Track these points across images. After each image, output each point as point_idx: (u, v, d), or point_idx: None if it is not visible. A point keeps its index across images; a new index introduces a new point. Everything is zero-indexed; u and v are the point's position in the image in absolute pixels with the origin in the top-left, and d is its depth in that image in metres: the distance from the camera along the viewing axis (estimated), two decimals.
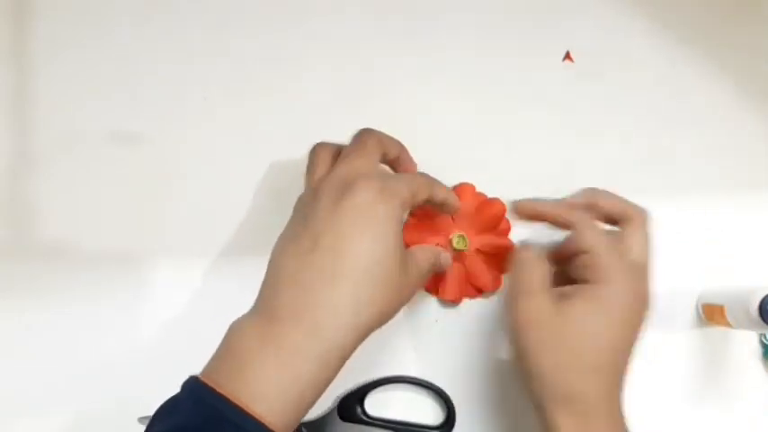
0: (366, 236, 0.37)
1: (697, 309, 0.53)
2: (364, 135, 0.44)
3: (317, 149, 0.44)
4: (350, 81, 0.54)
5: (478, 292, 0.51)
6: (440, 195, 0.44)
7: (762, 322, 0.46)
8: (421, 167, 0.47)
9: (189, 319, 0.51)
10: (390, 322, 0.53)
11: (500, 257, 0.51)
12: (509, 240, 0.51)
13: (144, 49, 0.53)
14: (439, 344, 0.52)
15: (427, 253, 0.44)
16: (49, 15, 0.53)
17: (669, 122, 0.55)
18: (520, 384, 0.46)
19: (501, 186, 0.51)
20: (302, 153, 0.53)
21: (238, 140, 0.53)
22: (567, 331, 0.41)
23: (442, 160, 0.51)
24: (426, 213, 0.49)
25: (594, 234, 0.43)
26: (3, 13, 0.53)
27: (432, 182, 0.44)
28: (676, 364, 0.53)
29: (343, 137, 0.54)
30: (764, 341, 0.53)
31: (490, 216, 0.51)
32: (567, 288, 0.43)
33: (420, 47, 0.55)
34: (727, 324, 0.50)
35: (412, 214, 0.50)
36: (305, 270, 0.37)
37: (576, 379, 0.41)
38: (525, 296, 0.42)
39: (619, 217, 0.45)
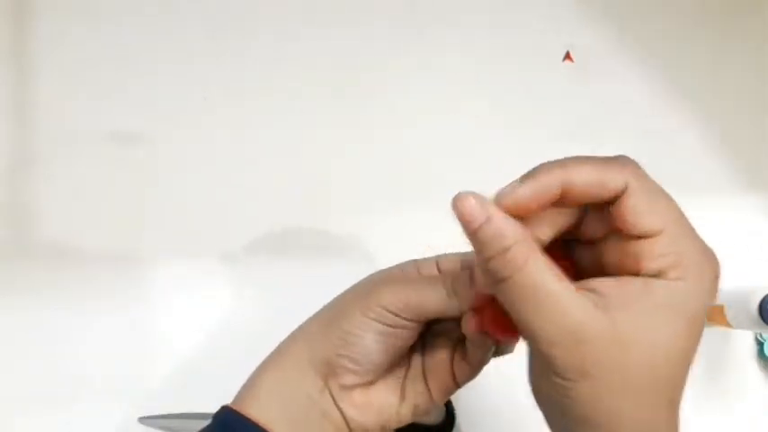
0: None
1: None
2: None
3: None
4: (350, 81, 0.54)
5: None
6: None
7: (762, 322, 0.46)
8: (420, 168, 0.47)
9: (188, 319, 0.51)
10: None
11: None
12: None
13: (144, 49, 0.53)
14: None
15: None
16: (49, 15, 0.53)
17: (669, 122, 0.56)
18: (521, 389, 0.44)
19: (500, 186, 0.51)
20: (302, 153, 0.54)
21: (238, 140, 0.53)
22: (634, 359, 0.28)
23: (442, 161, 0.51)
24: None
25: (665, 202, 0.30)
26: (3, 13, 0.53)
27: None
28: None
29: (343, 137, 0.54)
30: (760, 339, 0.53)
31: None
32: (603, 284, 0.28)
33: (420, 48, 0.55)
34: (727, 324, 0.50)
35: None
36: None
37: (650, 417, 0.29)
38: (557, 301, 0.27)
39: (603, 191, 0.28)
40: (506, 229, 0.28)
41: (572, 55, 0.56)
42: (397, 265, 0.38)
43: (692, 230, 0.30)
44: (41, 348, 0.50)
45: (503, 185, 0.30)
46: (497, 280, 0.28)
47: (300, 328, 0.38)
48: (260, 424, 0.35)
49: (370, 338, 0.35)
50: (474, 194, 0.28)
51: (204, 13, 0.54)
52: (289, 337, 0.39)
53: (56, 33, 0.53)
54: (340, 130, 0.54)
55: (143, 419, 0.48)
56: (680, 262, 0.28)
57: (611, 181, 0.28)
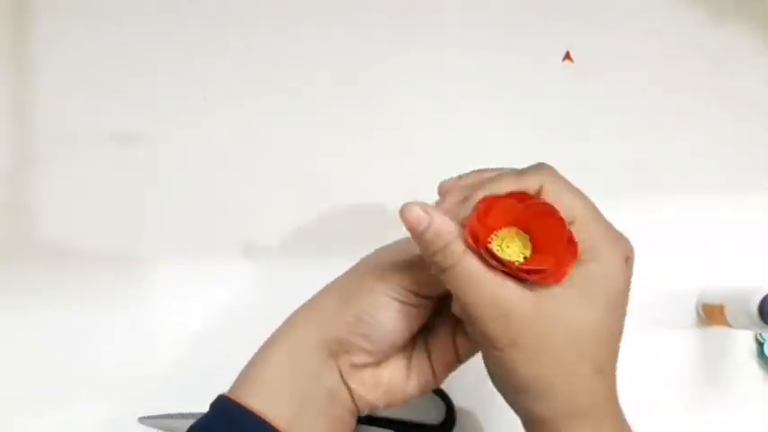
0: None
1: (697, 309, 0.53)
2: None
3: None
4: (350, 81, 0.54)
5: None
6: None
7: (761, 322, 0.46)
8: (420, 168, 0.47)
9: (188, 319, 0.51)
10: None
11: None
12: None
13: (144, 49, 0.53)
14: None
15: None
16: (49, 15, 0.53)
17: (669, 122, 0.56)
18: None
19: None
20: (302, 153, 0.54)
21: (238, 140, 0.53)
22: (556, 330, 0.32)
23: (442, 161, 0.51)
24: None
25: (573, 195, 0.34)
26: (3, 13, 0.53)
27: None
28: (676, 363, 0.53)
29: (342, 137, 0.54)
30: (760, 339, 0.53)
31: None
32: None
33: (420, 47, 0.55)
34: (727, 324, 0.50)
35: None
36: None
37: (578, 385, 0.33)
38: (488, 284, 0.32)
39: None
40: (444, 229, 0.33)
41: (572, 55, 0.56)
42: (398, 243, 0.39)
43: (602, 218, 0.34)
44: (41, 348, 0.50)
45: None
46: (443, 269, 0.33)
47: (308, 306, 0.39)
48: (257, 412, 0.35)
49: (388, 317, 0.36)
50: (418, 204, 0.33)
51: (204, 13, 0.54)
52: (295, 315, 0.39)
53: (56, 33, 0.53)
54: (340, 130, 0.54)
55: (143, 419, 0.48)
56: (591, 245, 0.33)
57: (529, 187, 0.34)
